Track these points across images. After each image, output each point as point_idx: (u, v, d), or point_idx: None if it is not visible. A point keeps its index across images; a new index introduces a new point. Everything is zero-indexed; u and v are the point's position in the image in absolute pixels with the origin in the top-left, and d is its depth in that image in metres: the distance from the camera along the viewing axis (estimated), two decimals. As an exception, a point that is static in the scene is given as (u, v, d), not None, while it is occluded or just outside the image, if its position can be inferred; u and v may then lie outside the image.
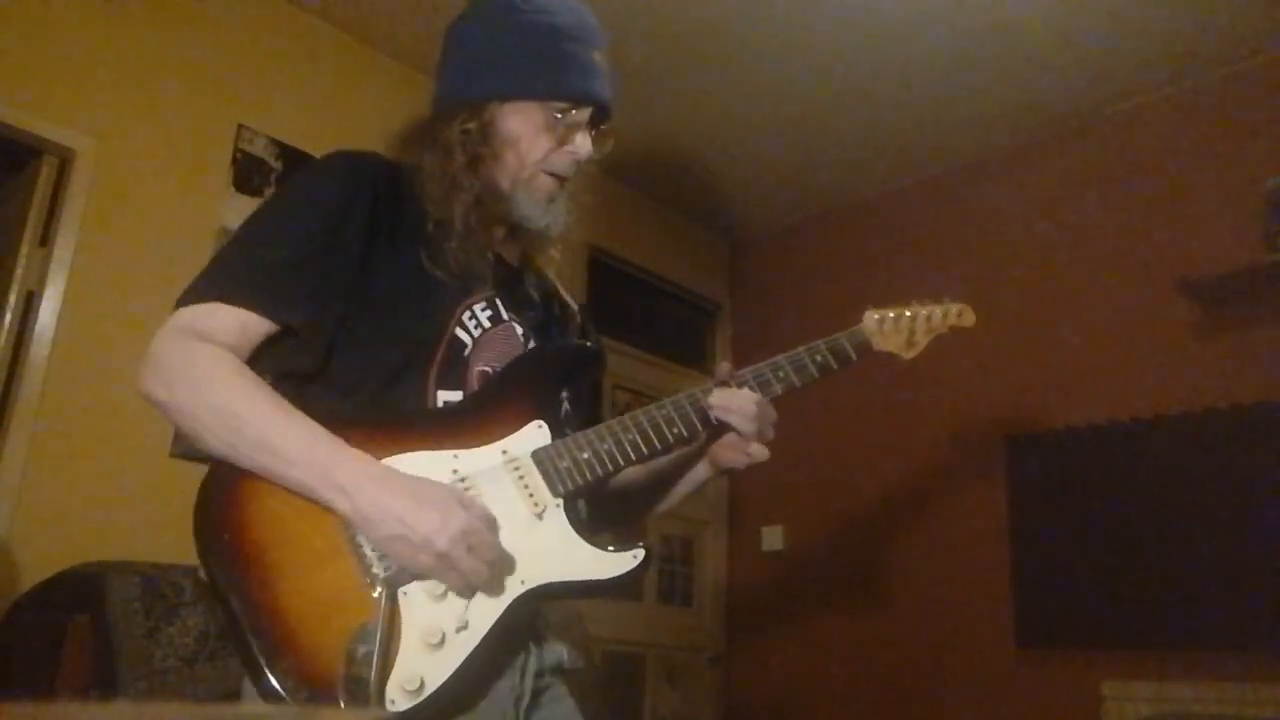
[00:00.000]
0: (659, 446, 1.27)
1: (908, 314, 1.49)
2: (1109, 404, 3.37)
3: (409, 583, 1.10)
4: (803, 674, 4.03)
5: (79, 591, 2.29)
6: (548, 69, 1.30)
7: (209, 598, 1.17)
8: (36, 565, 2.45)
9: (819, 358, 1.39)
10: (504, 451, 1.19)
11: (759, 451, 1.35)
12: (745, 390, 1.33)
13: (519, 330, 1.31)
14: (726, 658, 4.33)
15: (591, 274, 4.14)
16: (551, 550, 1.16)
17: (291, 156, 3.26)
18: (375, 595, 1.08)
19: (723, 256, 4.86)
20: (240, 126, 3.15)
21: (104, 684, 2.15)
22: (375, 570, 1.09)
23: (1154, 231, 3.43)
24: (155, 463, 2.78)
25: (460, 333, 1.25)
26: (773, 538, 4.30)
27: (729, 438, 1.36)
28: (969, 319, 1.55)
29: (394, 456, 1.14)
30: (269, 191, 3.18)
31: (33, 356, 2.63)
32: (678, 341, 4.64)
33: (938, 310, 1.52)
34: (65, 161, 2.79)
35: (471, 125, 1.30)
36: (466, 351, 1.25)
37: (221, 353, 1.12)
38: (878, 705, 3.75)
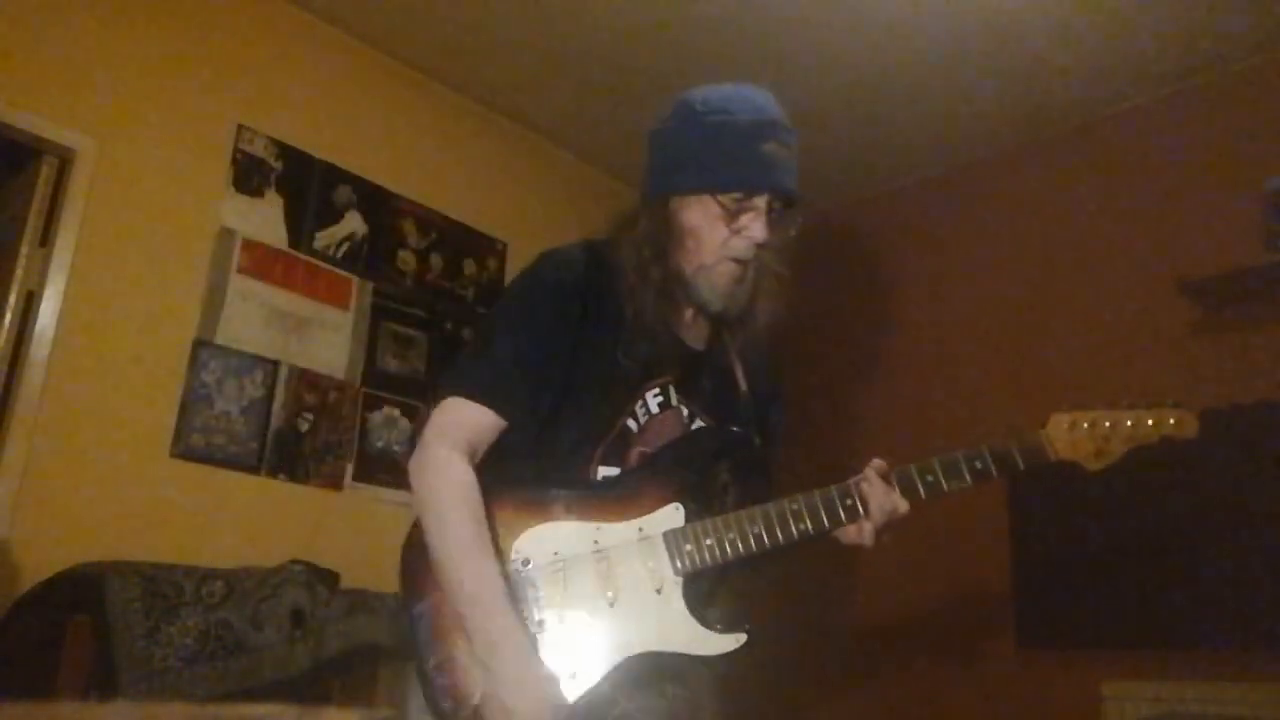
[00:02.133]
0: (781, 540, 1.36)
1: (1107, 422, 1.40)
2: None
3: (539, 634, 1.29)
4: (803, 674, 4.03)
5: (79, 591, 2.29)
6: (721, 163, 1.41)
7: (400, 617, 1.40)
8: (36, 565, 2.45)
9: (978, 465, 1.38)
10: (640, 529, 1.34)
11: (868, 535, 1.40)
12: (891, 492, 1.39)
13: (685, 414, 1.45)
14: (726, 658, 4.33)
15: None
16: (663, 623, 1.31)
17: (291, 156, 3.26)
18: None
19: (723, 256, 4.85)
20: (240, 126, 3.15)
21: (104, 684, 2.15)
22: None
23: (1154, 231, 3.43)
24: (155, 463, 2.79)
25: (630, 421, 1.41)
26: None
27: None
28: (1190, 429, 1.42)
29: (546, 524, 1.33)
30: (268, 192, 3.19)
31: (33, 356, 2.63)
32: (678, 341, 4.63)
33: (1148, 417, 1.41)
34: (65, 161, 2.79)
35: (657, 219, 1.43)
36: (632, 434, 1.41)
37: (466, 487, 1.32)
38: (878, 705, 3.75)
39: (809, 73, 3.55)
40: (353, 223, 3.40)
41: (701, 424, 1.47)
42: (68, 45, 2.81)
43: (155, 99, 2.97)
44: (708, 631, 1.33)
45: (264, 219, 3.16)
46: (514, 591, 1.30)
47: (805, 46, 3.41)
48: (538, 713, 1.23)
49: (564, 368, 1.38)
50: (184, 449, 2.85)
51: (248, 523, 2.92)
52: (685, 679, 1.40)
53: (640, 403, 1.42)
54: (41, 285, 2.70)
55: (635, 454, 1.40)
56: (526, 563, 1.32)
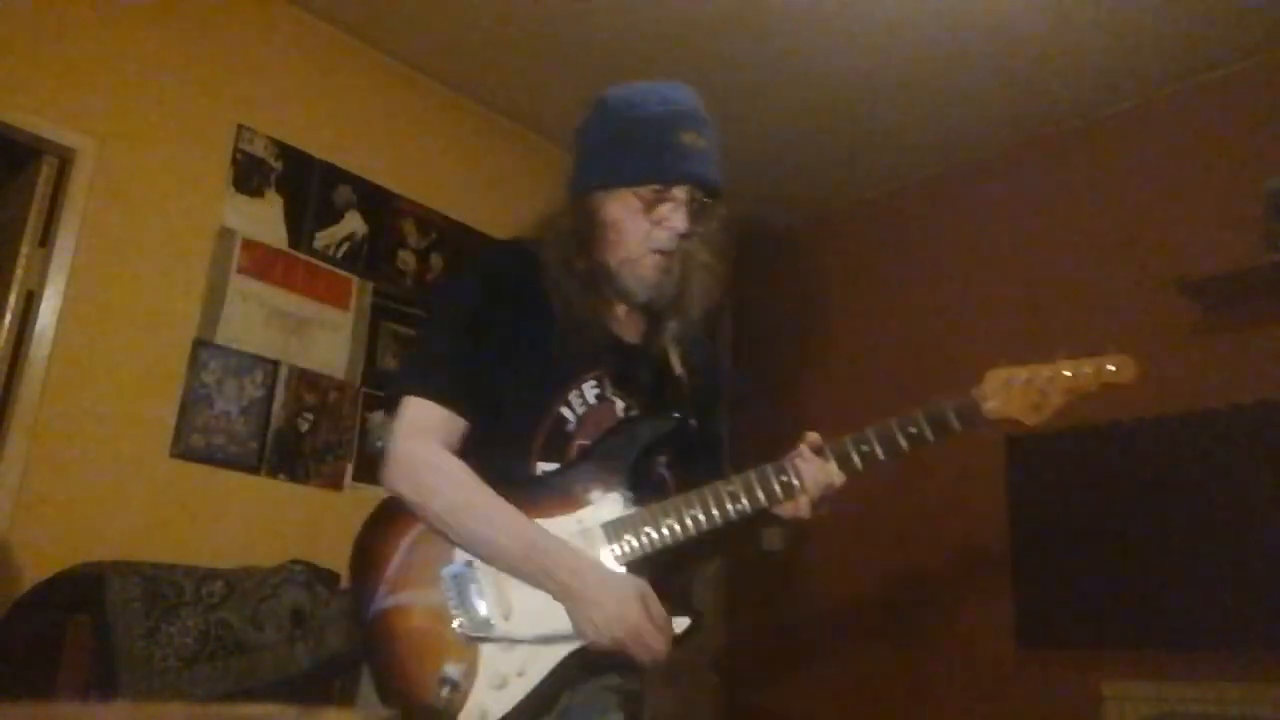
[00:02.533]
0: (719, 522, 1.35)
1: (1043, 372, 1.39)
2: (1109, 404, 3.35)
3: (487, 634, 1.30)
4: (803, 674, 4.03)
5: (79, 591, 2.29)
6: (638, 157, 1.42)
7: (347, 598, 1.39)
8: (36, 565, 2.45)
9: (913, 430, 1.39)
10: (579, 521, 1.35)
11: (804, 509, 1.40)
12: (824, 464, 1.39)
13: (622, 406, 1.45)
14: (726, 658, 4.33)
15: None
16: None
17: (291, 156, 3.26)
18: (459, 640, 1.30)
19: (723, 256, 4.85)
20: (240, 126, 3.15)
21: (104, 684, 2.15)
22: (463, 622, 1.31)
23: (1154, 231, 3.43)
24: (155, 463, 2.79)
25: (565, 411, 1.41)
26: (773, 538, 4.30)
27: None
28: (1128, 374, 1.38)
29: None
30: (268, 192, 3.19)
31: (33, 356, 2.64)
32: (678, 341, 4.63)
33: (1086, 366, 1.39)
34: (65, 161, 2.79)
35: (580, 216, 1.45)
36: (570, 427, 1.41)
37: (447, 457, 1.36)
38: (878, 705, 3.75)
39: (809, 73, 3.55)
40: (353, 223, 3.40)
41: (638, 414, 1.47)
42: (68, 45, 2.81)
43: (155, 99, 2.97)
44: None
45: (264, 219, 3.16)
46: (458, 590, 1.32)
47: (805, 46, 3.41)
48: (631, 613, 1.26)
49: (498, 365, 1.40)
50: (184, 449, 2.85)
51: (248, 523, 2.92)
52: (634, 667, 1.39)
53: (576, 395, 1.42)
54: (41, 285, 2.70)
55: (574, 448, 1.41)
56: (470, 563, 1.33)
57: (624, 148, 1.44)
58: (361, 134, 3.47)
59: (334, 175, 3.37)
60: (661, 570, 1.39)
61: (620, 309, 1.50)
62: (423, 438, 1.37)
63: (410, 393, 1.40)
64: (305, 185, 3.28)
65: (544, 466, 1.39)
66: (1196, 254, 3.25)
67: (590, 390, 1.44)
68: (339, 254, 3.34)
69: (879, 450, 1.39)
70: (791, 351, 4.37)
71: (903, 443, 1.39)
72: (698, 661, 4.30)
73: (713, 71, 3.58)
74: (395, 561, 1.35)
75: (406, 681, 1.30)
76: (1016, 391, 1.40)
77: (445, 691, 1.26)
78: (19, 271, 2.74)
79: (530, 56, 3.56)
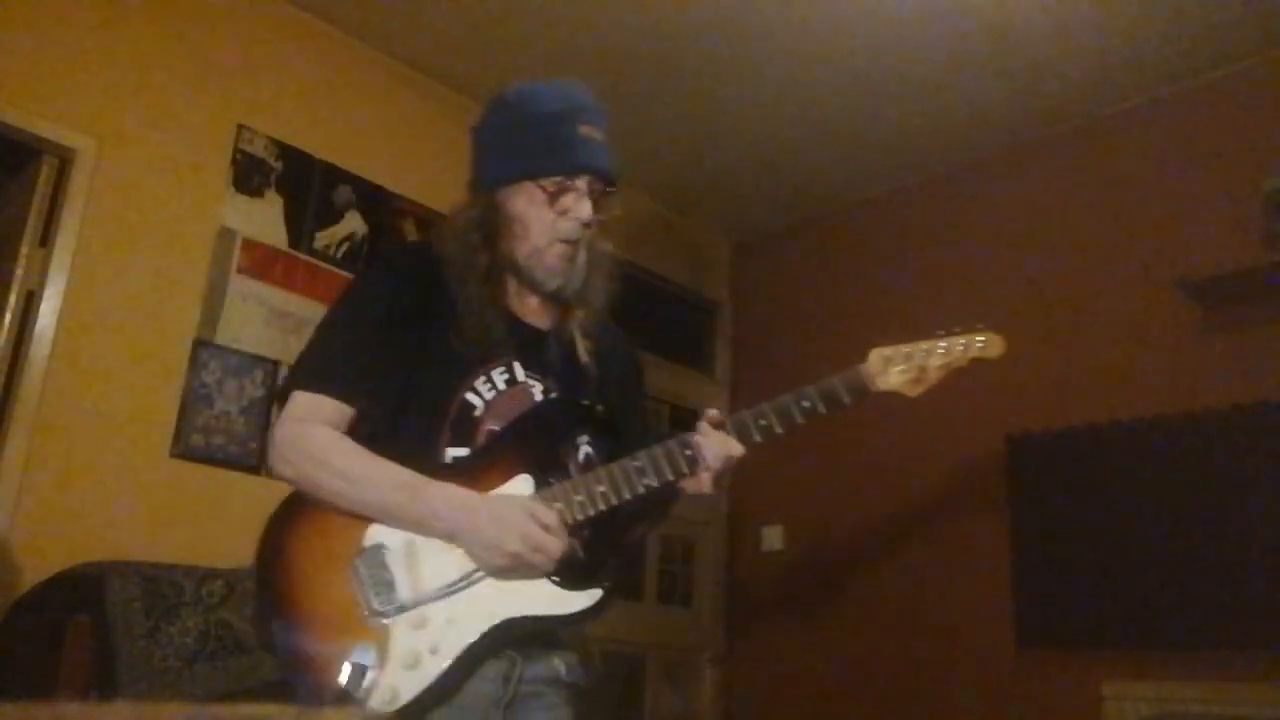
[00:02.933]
0: (628, 496, 1.39)
1: (920, 349, 1.51)
2: (1109, 404, 3.37)
3: (397, 614, 1.31)
4: (803, 674, 4.03)
5: (79, 591, 2.29)
6: (539, 150, 1.47)
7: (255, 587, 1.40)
8: (36, 565, 2.45)
9: (805, 404, 1.45)
10: None
11: (707, 484, 1.44)
12: (723, 436, 1.43)
13: (536, 390, 1.48)
14: (726, 658, 4.33)
15: (591, 274, 4.14)
16: (520, 589, 1.35)
17: (291, 156, 3.26)
18: (369, 624, 1.31)
19: (723, 256, 4.86)
20: (240, 126, 3.15)
21: (104, 684, 2.15)
22: (371, 604, 1.32)
23: (1154, 231, 3.43)
24: (155, 463, 2.79)
25: (471, 397, 1.44)
26: (773, 538, 4.30)
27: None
28: (995, 349, 1.52)
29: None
30: (268, 192, 3.19)
31: (33, 356, 2.64)
32: (678, 341, 4.63)
33: (958, 342, 1.52)
34: (65, 161, 2.79)
35: (484, 210, 1.50)
36: (478, 413, 1.44)
37: (327, 431, 1.39)
38: (878, 705, 3.75)
39: (809, 73, 3.55)
40: (353, 223, 3.40)
41: (557, 396, 1.51)
42: (68, 45, 2.81)
43: (155, 99, 2.97)
44: (565, 592, 1.36)
45: (264, 219, 3.16)
46: (370, 574, 1.33)
47: (805, 46, 3.41)
48: (518, 523, 1.31)
49: (400, 356, 1.43)
50: (184, 449, 2.85)
51: (248, 523, 2.90)
52: (571, 646, 1.45)
53: (483, 382, 1.45)
54: (41, 285, 2.70)
55: (484, 432, 1.43)
56: (380, 549, 1.35)
57: (526, 142, 1.48)
58: (361, 134, 3.47)
59: (334, 175, 3.37)
60: (578, 544, 1.43)
61: (532, 300, 1.54)
62: (303, 423, 1.39)
63: (295, 388, 1.43)
64: (305, 185, 3.28)
65: (454, 452, 1.42)
66: (1196, 254, 3.25)
67: (499, 377, 1.46)
68: (339, 254, 3.34)
69: (776, 423, 1.44)
70: (791, 352, 4.37)
71: (797, 416, 1.45)
72: (698, 660, 4.30)
73: (712, 71, 3.58)
74: (300, 554, 1.36)
75: (315, 671, 1.30)
76: (897, 367, 1.51)
77: (355, 676, 1.27)
78: (19, 271, 2.74)
79: (530, 56, 3.56)
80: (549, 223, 1.47)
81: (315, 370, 1.45)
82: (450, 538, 1.34)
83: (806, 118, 3.81)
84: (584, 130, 1.48)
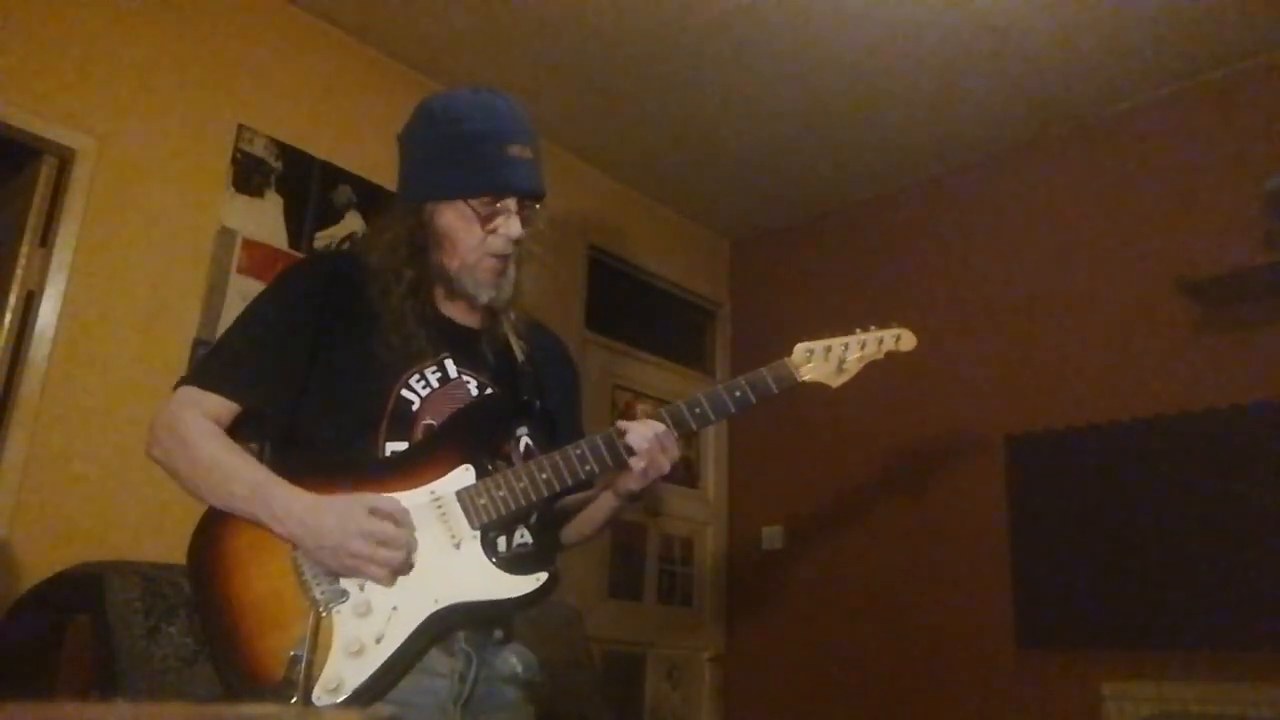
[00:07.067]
0: (570, 482, 1.43)
1: (840, 343, 1.61)
2: (1109, 404, 3.37)
3: (340, 603, 1.33)
4: (803, 674, 4.03)
5: (79, 591, 2.28)
6: (469, 171, 1.50)
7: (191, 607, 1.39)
8: (36, 565, 2.45)
9: (738, 393, 1.52)
10: (432, 492, 1.40)
11: (635, 476, 1.48)
12: (651, 421, 1.47)
13: (472, 385, 1.51)
14: (726, 657, 4.33)
15: (591, 274, 4.14)
16: (464, 575, 1.37)
17: (291, 156, 3.26)
18: (310, 613, 1.32)
19: (723, 256, 4.86)
20: (240, 126, 3.15)
21: (104, 684, 2.15)
22: (313, 593, 1.33)
23: (1154, 231, 3.43)
24: (155, 463, 2.78)
25: (407, 394, 1.46)
26: (773, 538, 4.30)
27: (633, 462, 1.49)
28: (908, 343, 1.62)
29: (344, 497, 1.36)
30: (268, 192, 3.19)
31: (33, 356, 2.63)
32: (678, 341, 4.64)
33: (872, 338, 1.62)
34: (65, 161, 2.79)
35: (412, 224, 1.52)
36: (414, 408, 1.46)
37: (201, 418, 1.41)
38: (878, 705, 3.75)
39: (808, 73, 3.55)
40: (353, 223, 3.40)
41: (493, 391, 1.53)
42: (68, 45, 2.81)
43: (155, 99, 2.97)
44: (509, 576, 1.38)
45: (264, 219, 3.16)
46: (311, 567, 1.34)
47: (805, 47, 3.41)
48: (359, 521, 1.31)
49: (305, 356, 1.45)
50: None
51: (248, 523, 2.92)
52: (508, 620, 1.47)
53: (416, 379, 1.47)
54: (41, 285, 2.70)
55: (421, 427, 1.45)
56: None
57: (455, 162, 1.50)
58: (361, 134, 3.47)
59: (334, 175, 3.37)
60: (532, 536, 1.47)
61: (461, 302, 1.57)
62: (183, 408, 1.43)
63: (185, 382, 1.47)
64: (305, 185, 3.28)
65: (393, 447, 1.43)
66: (1196, 254, 3.25)
67: (432, 375, 1.49)
68: (339, 254, 3.34)
69: (710, 411, 1.50)
70: (790, 351, 4.36)
71: (730, 404, 1.51)
72: (698, 659, 4.30)
73: (712, 72, 3.58)
74: (238, 545, 1.37)
75: (254, 663, 1.30)
76: (818, 359, 1.61)
77: (296, 667, 1.27)
78: (19, 271, 2.73)
79: (530, 57, 3.56)
80: (479, 238, 1.50)
81: (207, 367, 1.50)
82: (293, 542, 1.34)
83: (805, 118, 3.81)
84: (513, 150, 1.51)
